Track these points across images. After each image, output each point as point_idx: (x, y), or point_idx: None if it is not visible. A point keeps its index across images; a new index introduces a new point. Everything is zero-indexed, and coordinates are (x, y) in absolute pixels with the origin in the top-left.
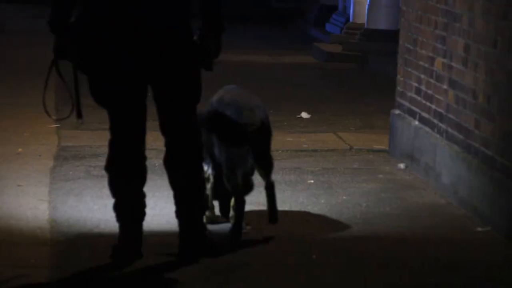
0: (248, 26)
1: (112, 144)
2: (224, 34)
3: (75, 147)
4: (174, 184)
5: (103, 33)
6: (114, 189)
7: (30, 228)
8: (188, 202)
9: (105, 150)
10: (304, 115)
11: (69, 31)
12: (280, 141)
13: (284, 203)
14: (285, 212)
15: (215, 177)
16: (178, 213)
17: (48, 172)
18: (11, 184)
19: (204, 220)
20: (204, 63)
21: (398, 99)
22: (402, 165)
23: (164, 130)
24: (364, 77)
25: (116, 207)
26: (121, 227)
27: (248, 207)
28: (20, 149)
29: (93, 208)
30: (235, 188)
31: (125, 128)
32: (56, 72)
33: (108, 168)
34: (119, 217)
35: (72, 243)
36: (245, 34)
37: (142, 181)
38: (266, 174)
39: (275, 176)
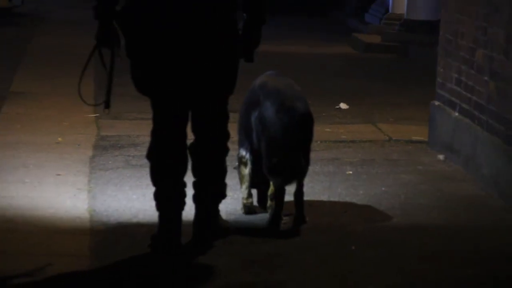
0: (286, 17)
1: (154, 133)
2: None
3: (114, 137)
4: (197, 170)
5: (150, 21)
6: (155, 178)
7: (70, 218)
8: (207, 189)
9: (143, 139)
10: (343, 106)
11: (113, 18)
12: (318, 132)
13: (322, 194)
14: (323, 203)
15: (253, 163)
16: (195, 198)
17: (87, 161)
18: (51, 173)
19: (242, 210)
20: (245, 55)
21: (438, 90)
22: (441, 157)
23: (196, 116)
24: (403, 68)
25: (157, 196)
26: (160, 216)
27: (286, 197)
28: (59, 139)
29: (132, 198)
30: (274, 177)
31: (168, 117)
32: (100, 58)
33: (150, 156)
34: (159, 206)
35: (111, 233)
36: (284, 24)
37: (183, 170)
38: (300, 174)
39: (313, 167)
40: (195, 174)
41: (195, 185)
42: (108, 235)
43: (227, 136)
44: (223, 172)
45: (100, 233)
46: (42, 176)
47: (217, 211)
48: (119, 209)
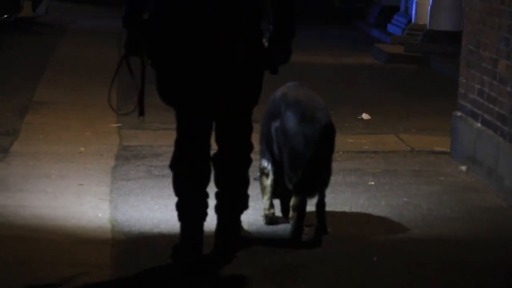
0: (310, 26)
1: (178, 143)
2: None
3: (136, 147)
4: (219, 180)
5: (176, 30)
6: (178, 188)
7: (92, 227)
8: (229, 199)
9: (166, 150)
10: (365, 116)
11: (141, 27)
12: (341, 142)
13: (344, 205)
14: (345, 214)
15: (274, 173)
16: (218, 208)
17: (109, 171)
18: (73, 183)
19: (264, 220)
20: (270, 67)
21: (460, 101)
22: (463, 168)
23: (219, 127)
24: (425, 78)
25: (179, 206)
26: (182, 226)
27: (308, 207)
28: (82, 148)
29: (154, 208)
30: (297, 188)
31: (192, 127)
32: (128, 67)
33: (173, 166)
34: (181, 216)
35: (133, 243)
36: (307, 34)
37: (206, 181)
38: (322, 185)
39: (335, 177)
40: (217, 184)
41: (217, 195)
42: (130, 245)
43: (250, 147)
44: (245, 183)
45: (121, 243)
46: (65, 186)
47: (239, 221)
48: (141, 219)
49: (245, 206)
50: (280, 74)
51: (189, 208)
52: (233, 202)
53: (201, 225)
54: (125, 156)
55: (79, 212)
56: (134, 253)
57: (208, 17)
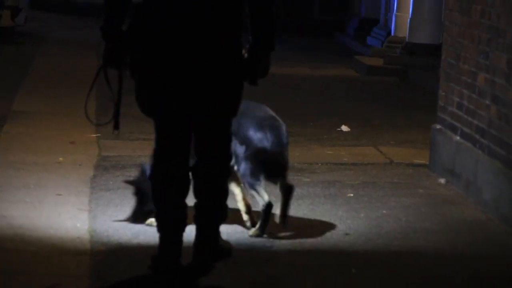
0: (290, 38)
1: (157, 154)
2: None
3: (115, 157)
4: (199, 191)
5: (155, 41)
6: (157, 199)
7: (70, 238)
8: (208, 210)
9: (145, 160)
10: (344, 128)
11: (120, 38)
12: (320, 154)
13: (323, 216)
14: (324, 225)
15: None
16: (197, 219)
17: (88, 181)
18: (51, 193)
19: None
20: (249, 78)
21: (440, 114)
22: (442, 180)
23: (198, 138)
24: (404, 91)
25: (158, 217)
26: (161, 236)
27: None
28: (60, 158)
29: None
30: (259, 194)
31: (171, 138)
32: (104, 78)
33: (152, 177)
34: (160, 227)
35: (112, 253)
36: (286, 45)
37: (185, 191)
38: (283, 177)
39: (314, 189)
40: (196, 195)
41: (196, 206)
42: (109, 255)
43: (229, 157)
44: (225, 194)
45: (100, 253)
46: (43, 196)
47: (218, 232)
48: (119, 229)
49: (224, 217)
50: (259, 86)
51: (168, 219)
52: (212, 213)
53: (180, 236)
54: (104, 166)
55: (58, 222)
56: (113, 264)
57: (188, 28)
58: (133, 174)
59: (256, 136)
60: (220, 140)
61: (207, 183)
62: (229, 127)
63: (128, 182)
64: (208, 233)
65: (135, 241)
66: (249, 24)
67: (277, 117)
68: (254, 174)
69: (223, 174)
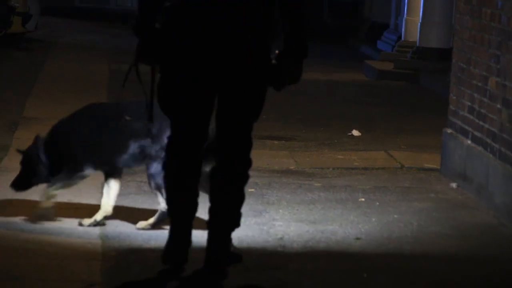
0: None
1: (171, 143)
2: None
3: None
4: (215, 195)
5: (187, 42)
6: (169, 184)
7: (82, 243)
8: (223, 215)
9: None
10: (355, 132)
11: (152, 35)
12: (331, 159)
13: (334, 221)
14: (335, 230)
15: None
16: (210, 224)
17: (99, 187)
18: (63, 198)
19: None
20: (275, 84)
21: (451, 118)
22: (454, 185)
23: (219, 140)
24: (415, 95)
25: (169, 203)
26: (172, 222)
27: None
28: None
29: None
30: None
31: (188, 138)
32: (136, 73)
33: (166, 167)
34: (171, 214)
35: (123, 258)
36: None
37: (197, 179)
38: None
39: (325, 194)
40: (212, 200)
41: (211, 211)
42: (120, 260)
43: (249, 163)
44: (241, 200)
45: (111, 258)
46: (55, 202)
47: (230, 238)
48: (130, 235)
49: (238, 223)
50: (270, 91)
51: (179, 203)
52: (226, 218)
53: (190, 223)
54: None
55: (69, 227)
56: (124, 269)
57: (217, 31)
58: (145, 179)
59: None
60: (241, 145)
61: (225, 188)
62: (250, 132)
63: (19, 150)
64: (221, 238)
65: (146, 246)
66: (282, 30)
67: None
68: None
69: (241, 179)
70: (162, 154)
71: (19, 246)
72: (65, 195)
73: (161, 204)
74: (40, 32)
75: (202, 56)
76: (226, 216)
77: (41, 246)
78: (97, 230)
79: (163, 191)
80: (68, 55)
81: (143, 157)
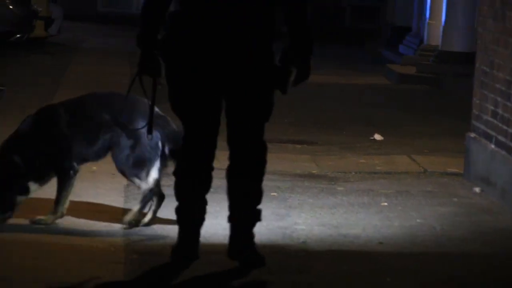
0: (322, 46)
1: (184, 152)
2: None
3: None
4: (233, 191)
5: (189, 49)
6: (179, 194)
7: (104, 246)
8: (243, 212)
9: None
10: (377, 137)
11: (155, 46)
12: (353, 163)
13: (357, 225)
14: (358, 234)
15: None
16: (232, 220)
17: (122, 191)
18: (85, 202)
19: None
20: (280, 86)
21: (474, 122)
22: (477, 189)
23: (231, 143)
24: (437, 99)
25: (179, 210)
26: (180, 229)
27: None
28: (94, 168)
29: (167, 227)
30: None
31: (198, 139)
32: (140, 85)
33: (177, 173)
34: (180, 220)
35: (145, 262)
36: (318, 54)
37: (206, 189)
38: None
39: (348, 198)
40: (231, 197)
41: (231, 208)
42: (143, 264)
43: (264, 161)
44: (259, 196)
45: (134, 262)
46: (77, 205)
47: (253, 235)
48: (153, 238)
49: (258, 218)
50: (292, 94)
51: (188, 213)
52: (247, 215)
53: (198, 230)
54: None
55: (92, 231)
56: (147, 272)
57: (221, 37)
58: (167, 182)
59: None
60: (253, 145)
61: (242, 187)
62: (262, 132)
63: None
64: (243, 233)
65: (169, 249)
66: (287, 31)
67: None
68: (139, 166)
69: (257, 177)
70: (131, 143)
71: (42, 248)
72: (87, 198)
73: (142, 187)
74: (63, 36)
75: (207, 60)
76: (246, 212)
77: (65, 249)
78: (119, 233)
79: (140, 172)
80: (90, 59)
81: (110, 147)
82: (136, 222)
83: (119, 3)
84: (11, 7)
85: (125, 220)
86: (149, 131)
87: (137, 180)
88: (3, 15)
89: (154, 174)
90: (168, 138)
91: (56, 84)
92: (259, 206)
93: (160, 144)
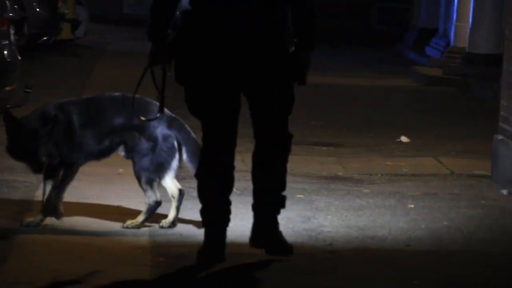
0: (348, 48)
1: (204, 153)
2: (324, 57)
3: None
4: (258, 176)
5: (203, 45)
6: (202, 195)
7: (131, 248)
8: (267, 196)
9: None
10: (404, 139)
11: (165, 39)
12: (379, 165)
13: (384, 228)
14: (385, 237)
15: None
16: (256, 207)
17: None
18: (112, 204)
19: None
20: (297, 77)
21: (501, 124)
22: (505, 191)
23: (258, 137)
24: (464, 101)
25: (203, 212)
26: (206, 231)
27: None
28: (120, 170)
29: (193, 230)
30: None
31: (217, 138)
32: (151, 77)
33: (199, 175)
34: (204, 222)
35: (172, 265)
36: (345, 56)
37: (229, 188)
38: None
39: (374, 200)
40: (256, 186)
41: (255, 195)
42: (169, 267)
43: (288, 151)
44: (283, 185)
45: (160, 264)
46: (104, 207)
47: (278, 222)
48: (180, 241)
49: (282, 205)
50: (317, 96)
51: (213, 214)
52: (272, 202)
53: (224, 230)
54: None
55: (119, 233)
56: (173, 275)
57: (235, 32)
58: (193, 184)
59: (165, 132)
60: (279, 136)
61: (266, 171)
62: (286, 123)
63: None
64: (267, 219)
65: (195, 252)
66: (293, 28)
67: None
68: (157, 170)
69: (281, 163)
70: (149, 146)
71: (69, 250)
72: (113, 200)
73: (150, 198)
74: (89, 38)
75: (222, 57)
76: (271, 198)
77: (91, 251)
78: (146, 236)
79: (154, 185)
80: (116, 62)
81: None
82: (134, 227)
83: (145, 6)
84: (38, 9)
85: (127, 223)
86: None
87: (148, 190)
88: (30, 18)
89: (169, 179)
90: (183, 139)
91: (82, 86)
92: (284, 193)
93: (176, 144)
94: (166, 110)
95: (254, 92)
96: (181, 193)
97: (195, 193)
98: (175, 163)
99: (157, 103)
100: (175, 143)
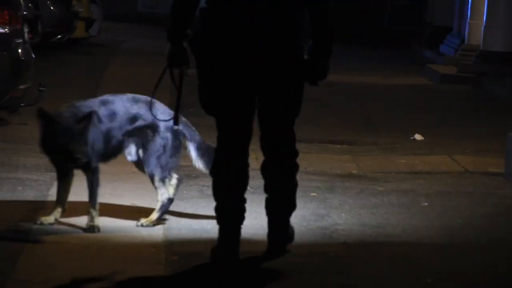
0: (361, 47)
1: (219, 151)
2: (338, 56)
3: (188, 167)
4: (269, 186)
5: (221, 46)
6: (217, 193)
7: (145, 247)
8: (280, 204)
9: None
10: (418, 137)
11: (183, 40)
12: (393, 163)
13: (397, 226)
14: (398, 235)
15: None
16: (269, 212)
17: None
18: (126, 202)
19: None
20: (310, 78)
21: None
22: None
23: (265, 138)
24: (479, 99)
25: (218, 210)
26: (220, 229)
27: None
28: (135, 169)
29: (207, 228)
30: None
31: (232, 136)
32: (170, 77)
33: (213, 173)
34: (219, 219)
35: (185, 263)
36: (359, 55)
37: (244, 186)
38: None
39: (388, 198)
40: (268, 190)
41: (268, 200)
42: (182, 265)
43: (296, 153)
44: (294, 187)
45: (174, 263)
46: (118, 206)
47: (289, 221)
48: (194, 239)
49: (294, 207)
50: (332, 95)
51: (227, 212)
52: (284, 206)
53: (239, 229)
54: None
55: (133, 231)
56: (187, 274)
57: (251, 33)
58: (207, 182)
59: (174, 129)
60: (285, 139)
61: (278, 180)
62: (292, 126)
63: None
64: (280, 223)
65: (209, 250)
66: (310, 32)
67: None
68: (168, 167)
69: (292, 169)
70: (162, 143)
71: (83, 248)
72: (128, 198)
73: (163, 195)
74: (103, 37)
75: (239, 56)
76: (283, 204)
77: (105, 249)
78: (160, 234)
79: (166, 181)
80: (130, 60)
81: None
82: (148, 226)
83: (159, 4)
84: (52, 8)
85: (141, 221)
86: (175, 122)
87: (161, 187)
88: (44, 16)
89: (175, 175)
90: (191, 136)
91: (96, 84)
92: (295, 196)
93: (182, 140)
94: (167, 108)
95: (266, 90)
96: (179, 181)
97: (209, 191)
98: (179, 160)
99: (157, 102)
100: (182, 139)
